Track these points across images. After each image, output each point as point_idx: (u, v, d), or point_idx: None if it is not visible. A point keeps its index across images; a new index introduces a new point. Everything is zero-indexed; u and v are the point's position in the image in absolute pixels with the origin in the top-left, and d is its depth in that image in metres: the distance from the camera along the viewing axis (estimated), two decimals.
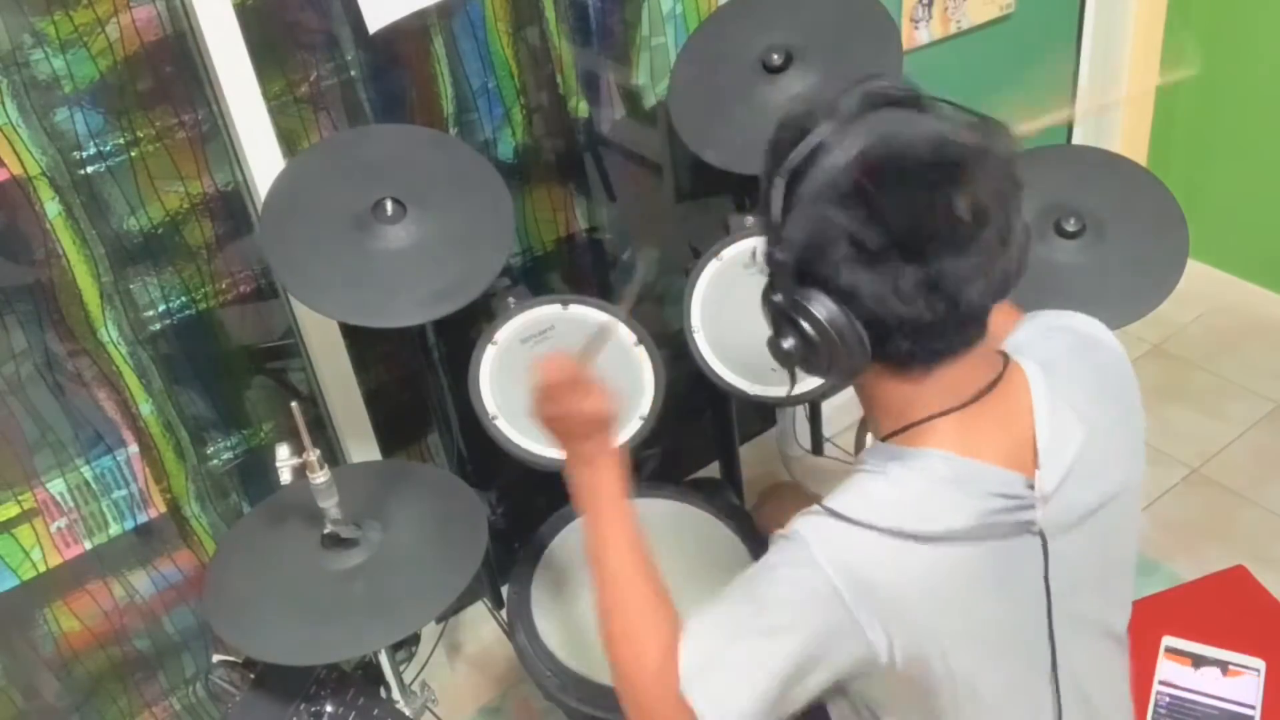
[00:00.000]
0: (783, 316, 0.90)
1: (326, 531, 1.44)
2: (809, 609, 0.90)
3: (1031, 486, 0.94)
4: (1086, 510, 0.98)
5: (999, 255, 0.88)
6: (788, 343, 0.91)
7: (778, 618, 0.91)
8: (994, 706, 0.97)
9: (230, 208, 1.70)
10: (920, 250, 0.84)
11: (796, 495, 1.74)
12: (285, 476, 1.34)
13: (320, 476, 1.38)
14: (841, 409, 2.44)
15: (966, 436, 0.94)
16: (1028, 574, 0.96)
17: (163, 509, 1.80)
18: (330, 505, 1.41)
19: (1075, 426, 0.97)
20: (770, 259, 0.90)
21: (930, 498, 0.92)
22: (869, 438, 1.04)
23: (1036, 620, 0.98)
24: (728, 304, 1.71)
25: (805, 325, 0.88)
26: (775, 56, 1.67)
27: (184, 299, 1.72)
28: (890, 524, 0.90)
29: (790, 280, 0.89)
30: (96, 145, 1.55)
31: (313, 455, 1.36)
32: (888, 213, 0.84)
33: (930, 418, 0.94)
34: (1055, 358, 1.01)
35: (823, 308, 0.87)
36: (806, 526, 0.93)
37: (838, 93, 0.89)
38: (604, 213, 2.16)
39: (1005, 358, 0.99)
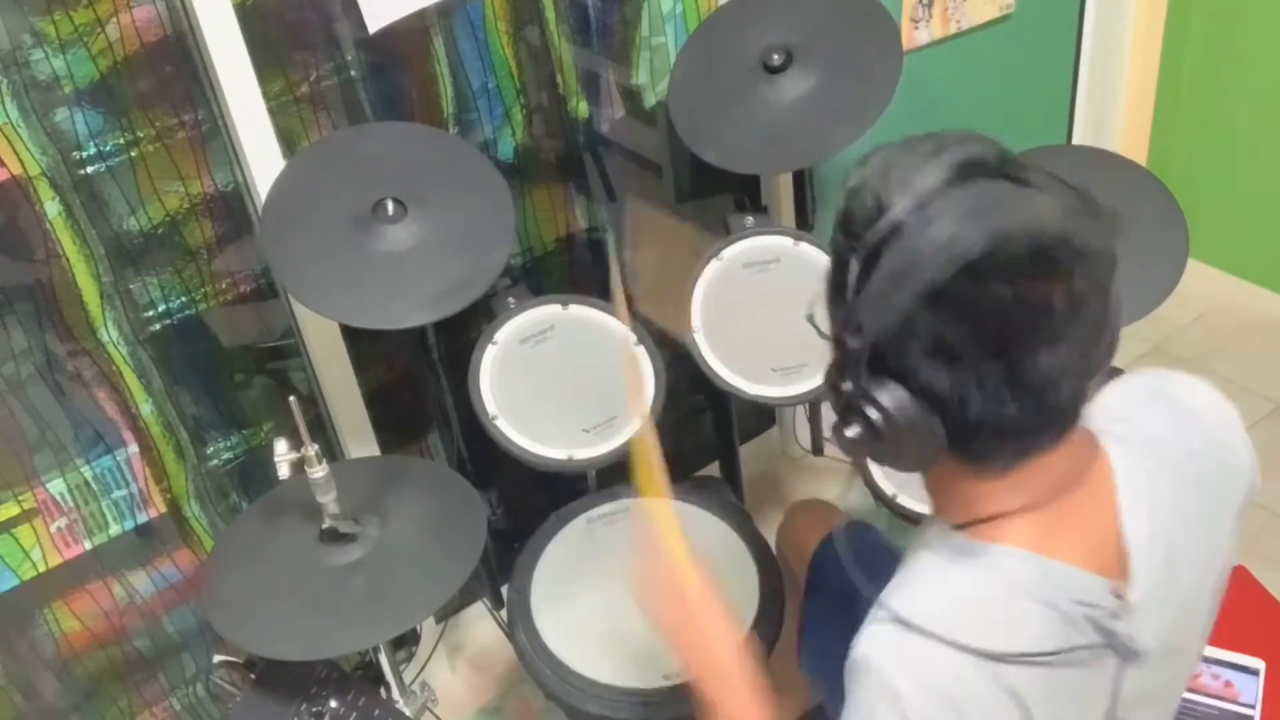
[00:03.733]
0: (850, 406, 0.83)
1: (325, 526, 1.44)
2: None
3: (1119, 595, 0.85)
4: (1168, 628, 0.90)
5: (1094, 344, 0.80)
6: (853, 431, 0.83)
7: None
8: None
9: (230, 208, 1.70)
10: (1008, 346, 0.77)
11: (828, 513, 1.64)
12: (283, 471, 1.34)
13: (318, 471, 1.38)
14: None
15: (1046, 534, 0.85)
16: (1094, 693, 0.88)
17: (163, 509, 1.80)
18: (328, 500, 1.41)
19: (1166, 523, 0.88)
20: (840, 344, 0.82)
21: (1010, 608, 0.83)
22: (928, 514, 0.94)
23: None
24: (728, 304, 1.71)
25: (876, 416, 0.80)
26: (775, 56, 1.68)
27: (184, 299, 1.72)
28: (970, 640, 0.81)
29: (862, 368, 0.80)
30: (96, 145, 1.55)
31: (311, 450, 1.36)
32: (977, 311, 0.76)
33: (1005, 514, 0.85)
34: (1155, 437, 0.92)
35: (893, 399, 0.79)
36: (874, 647, 0.84)
37: (916, 155, 0.79)
38: (604, 213, 2.16)
39: (1095, 447, 0.89)
